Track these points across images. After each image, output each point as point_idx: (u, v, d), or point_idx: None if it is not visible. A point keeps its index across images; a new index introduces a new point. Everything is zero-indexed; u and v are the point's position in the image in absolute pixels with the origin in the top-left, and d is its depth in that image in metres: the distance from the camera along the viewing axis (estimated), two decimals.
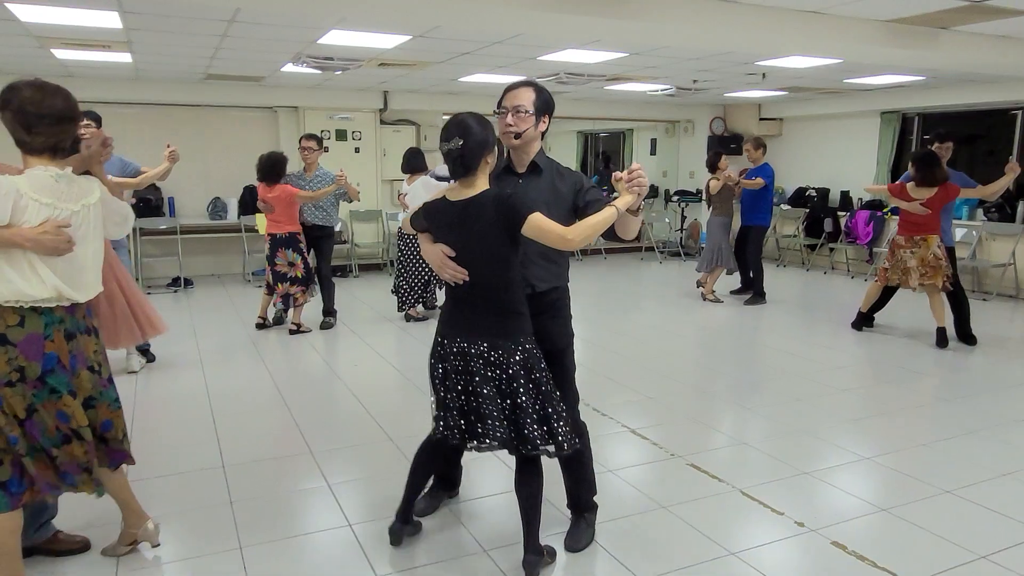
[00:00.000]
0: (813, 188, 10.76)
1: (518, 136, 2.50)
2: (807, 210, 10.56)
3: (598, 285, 9.20)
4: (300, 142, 6.36)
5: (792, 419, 4.24)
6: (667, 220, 11.96)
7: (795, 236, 10.64)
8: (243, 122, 9.31)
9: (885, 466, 3.60)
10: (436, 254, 2.45)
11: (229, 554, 2.73)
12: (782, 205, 11.08)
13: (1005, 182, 5.84)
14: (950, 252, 5.91)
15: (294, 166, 6.59)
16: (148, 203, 8.63)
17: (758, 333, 6.68)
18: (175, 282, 8.49)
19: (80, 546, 2.74)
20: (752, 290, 7.85)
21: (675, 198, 11.84)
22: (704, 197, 8.34)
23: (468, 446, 2.53)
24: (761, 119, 11.45)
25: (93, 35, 5.56)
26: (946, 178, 5.67)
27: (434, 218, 2.50)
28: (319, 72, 7.26)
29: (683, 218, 11.88)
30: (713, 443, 3.92)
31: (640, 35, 4.90)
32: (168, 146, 4.53)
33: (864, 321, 6.44)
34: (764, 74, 7.64)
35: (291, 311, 6.35)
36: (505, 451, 2.49)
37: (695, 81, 8.35)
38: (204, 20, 5.09)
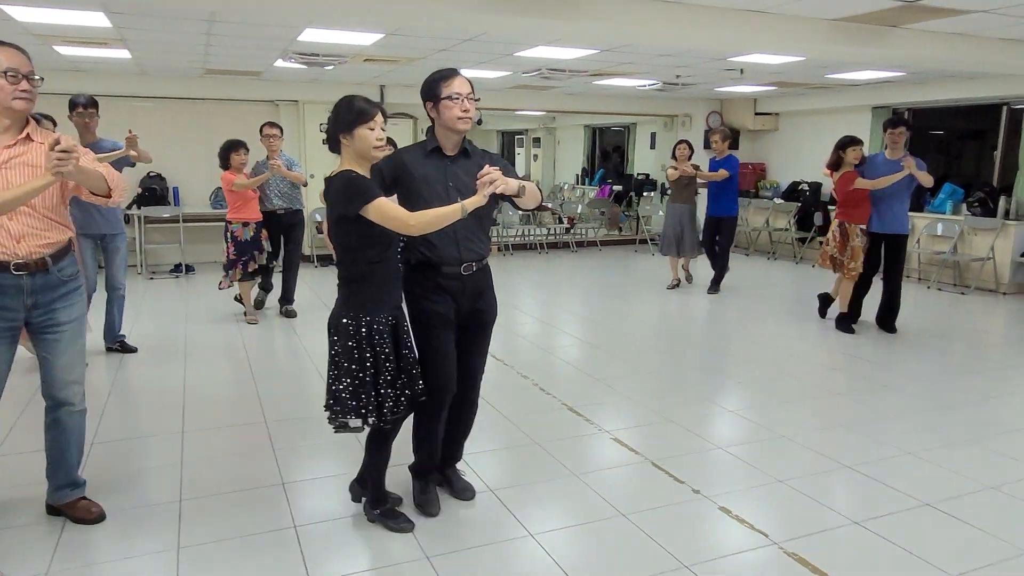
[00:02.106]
0: (806, 182, 10.87)
1: (479, 122, 2.72)
2: (799, 204, 10.68)
3: (591, 278, 9.46)
4: (262, 130, 6.31)
5: (773, 421, 4.10)
6: (661, 213, 12.11)
7: (787, 230, 10.77)
8: (245, 115, 9.66)
9: (866, 475, 3.43)
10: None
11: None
12: (775, 199, 11.21)
13: (895, 178, 5.70)
14: (899, 240, 5.98)
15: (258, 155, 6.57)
16: (153, 192, 9.07)
17: (740, 325, 6.75)
18: (177, 268, 8.92)
19: (95, 517, 2.87)
20: (717, 280, 8.03)
21: (669, 191, 11.97)
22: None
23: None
24: (757, 113, 11.55)
25: (88, 33, 5.94)
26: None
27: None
28: (306, 67, 7.58)
29: None
30: (687, 447, 3.76)
31: (589, 35, 5.12)
32: (129, 131, 4.86)
33: (851, 320, 6.22)
34: (742, 70, 7.81)
35: (234, 283, 6.32)
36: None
37: (678, 76, 8.53)
38: (185, 20, 5.43)
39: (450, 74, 2.77)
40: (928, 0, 4.69)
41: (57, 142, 2.39)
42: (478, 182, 2.51)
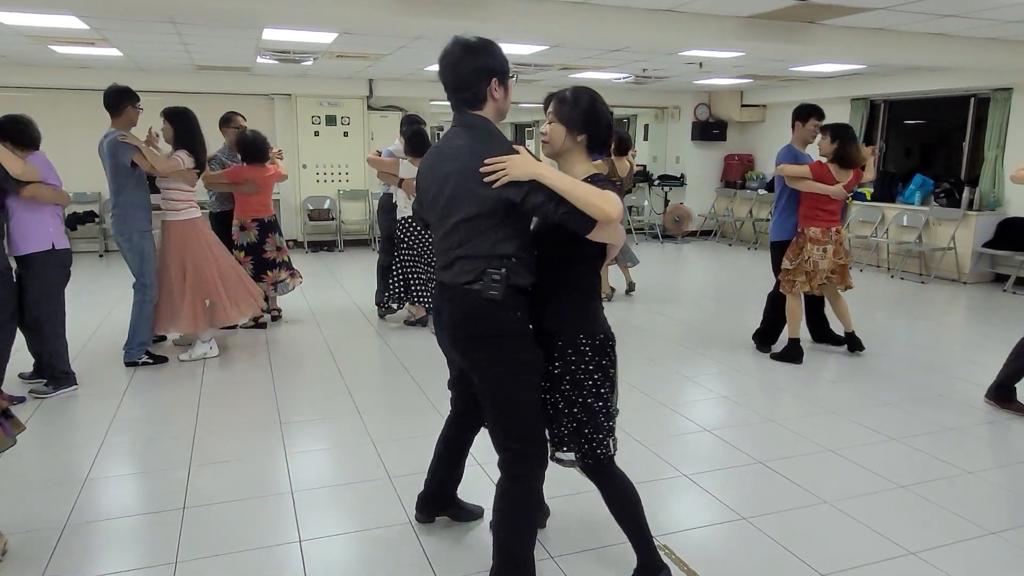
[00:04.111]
0: None
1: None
2: None
3: None
4: (233, 120, 6.11)
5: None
6: (646, 203, 12.37)
7: (769, 220, 10.92)
8: (241, 109, 10.19)
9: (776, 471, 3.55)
10: None
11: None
12: (759, 191, 11.37)
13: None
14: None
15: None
16: (150, 182, 9.68)
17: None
18: None
19: None
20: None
21: (656, 182, 12.25)
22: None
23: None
24: (744, 105, 11.71)
25: (72, 35, 6.52)
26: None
27: None
28: (280, 63, 8.08)
29: (666, 202, 12.27)
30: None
31: (505, 35, 5.42)
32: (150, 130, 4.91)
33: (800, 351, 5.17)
34: (700, 63, 8.05)
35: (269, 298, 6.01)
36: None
37: (644, 70, 8.80)
38: (150, 22, 5.95)
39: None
40: None
41: None
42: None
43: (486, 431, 2.44)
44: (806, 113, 5.12)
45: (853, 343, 5.27)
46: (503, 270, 2.18)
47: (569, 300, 2.31)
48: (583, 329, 2.29)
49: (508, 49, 7.12)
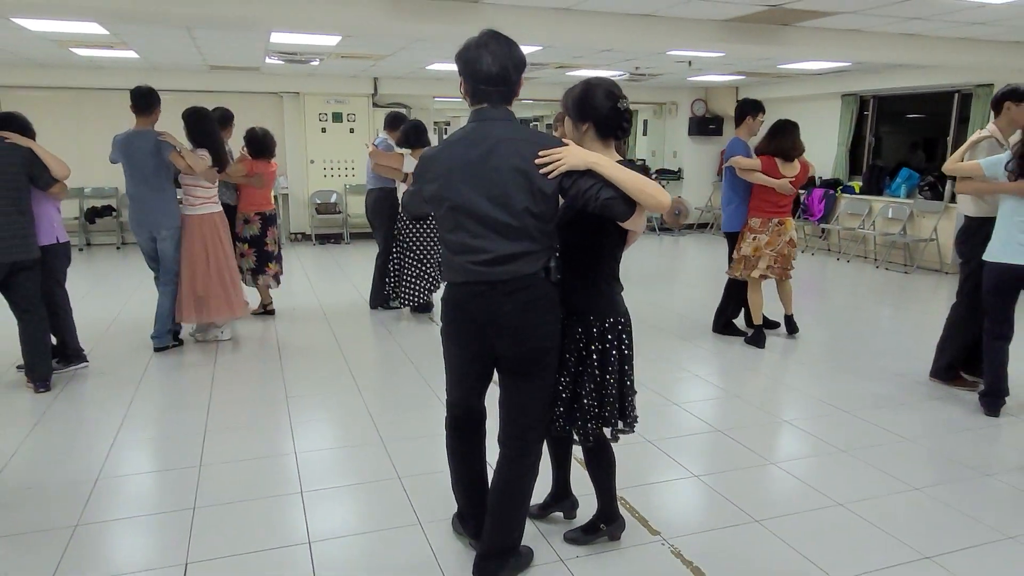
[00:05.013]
0: None
1: None
2: None
3: None
4: (233, 120, 6.24)
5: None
6: None
7: None
8: (250, 107, 10.63)
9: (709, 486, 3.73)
10: None
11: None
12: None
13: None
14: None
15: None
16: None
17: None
18: None
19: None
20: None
21: (654, 176, 12.56)
22: None
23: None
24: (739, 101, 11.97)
25: (93, 39, 6.94)
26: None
27: None
28: (285, 64, 8.46)
29: None
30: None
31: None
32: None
33: (763, 336, 5.52)
34: (690, 62, 8.38)
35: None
36: None
37: (636, 68, 9.14)
38: (168, 27, 6.35)
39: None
40: (793, 4, 5.27)
41: None
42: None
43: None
44: (756, 108, 5.52)
45: (791, 326, 5.68)
46: (558, 256, 2.35)
47: (598, 285, 2.46)
48: (613, 311, 2.46)
49: None
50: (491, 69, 2.21)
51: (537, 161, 2.18)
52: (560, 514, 2.97)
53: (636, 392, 2.60)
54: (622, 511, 2.85)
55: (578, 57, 8.15)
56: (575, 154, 2.18)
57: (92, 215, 9.90)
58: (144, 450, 3.68)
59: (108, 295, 6.99)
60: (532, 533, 2.85)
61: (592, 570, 2.66)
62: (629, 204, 2.18)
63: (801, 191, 5.52)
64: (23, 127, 4.36)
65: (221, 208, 5.40)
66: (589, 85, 2.41)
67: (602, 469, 2.71)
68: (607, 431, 2.57)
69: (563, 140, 2.26)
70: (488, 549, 2.51)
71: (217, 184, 5.35)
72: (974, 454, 3.67)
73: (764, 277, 5.38)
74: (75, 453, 3.58)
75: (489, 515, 2.49)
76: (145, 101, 4.95)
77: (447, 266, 2.39)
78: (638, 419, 2.61)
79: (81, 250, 9.50)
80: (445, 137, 2.56)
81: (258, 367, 5.05)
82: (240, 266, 5.90)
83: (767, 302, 5.57)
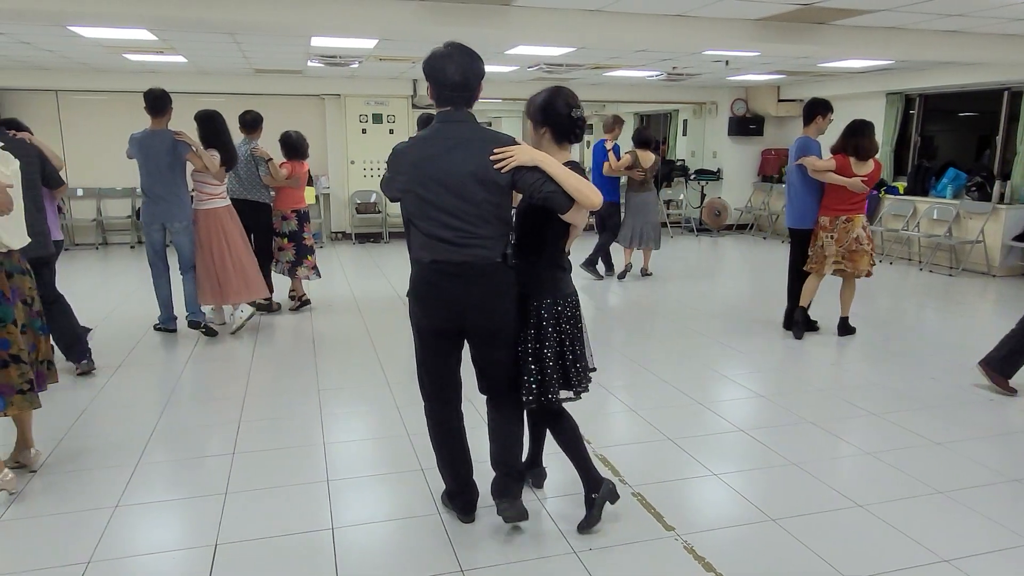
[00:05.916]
0: None
1: None
2: None
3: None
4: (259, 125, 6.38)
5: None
6: (682, 196, 12.62)
7: None
8: (294, 109, 10.93)
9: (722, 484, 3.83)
10: None
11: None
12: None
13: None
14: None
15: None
16: None
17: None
18: None
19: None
20: (591, 261, 8.09)
21: (692, 176, 12.48)
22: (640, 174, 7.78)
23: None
24: (780, 100, 11.84)
25: (144, 45, 7.22)
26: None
27: None
28: (326, 66, 8.67)
29: (702, 196, 12.49)
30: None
31: (518, 41, 5.82)
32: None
33: (803, 323, 5.68)
34: (727, 61, 8.32)
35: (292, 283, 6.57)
36: None
37: (674, 68, 9.10)
38: (212, 32, 6.58)
39: None
40: (826, 3, 5.22)
41: None
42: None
43: None
44: (826, 108, 5.48)
45: (844, 328, 5.71)
46: (513, 244, 2.70)
47: (539, 269, 2.75)
48: (552, 293, 2.75)
49: (538, 51, 7.57)
50: (455, 77, 2.53)
51: (492, 157, 2.51)
52: (569, 511, 3.04)
53: (594, 368, 2.90)
54: (637, 506, 2.90)
55: (614, 57, 8.16)
56: (525, 151, 2.53)
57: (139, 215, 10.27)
58: (182, 438, 3.85)
59: (151, 292, 7.24)
60: (547, 528, 2.93)
61: (604, 563, 2.70)
62: (568, 199, 2.52)
63: (872, 191, 5.61)
64: (24, 130, 4.65)
65: (229, 203, 5.77)
66: (550, 94, 2.71)
67: (564, 436, 2.91)
68: (552, 397, 2.77)
69: (518, 141, 2.58)
70: (499, 469, 2.86)
71: (225, 181, 5.72)
72: (1004, 459, 3.61)
73: (840, 272, 5.45)
74: (116, 439, 3.77)
75: (492, 443, 2.88)
76: (160, 103, 5.30)
77: (417, 247, 2.67)
78: (588, 390, 2.85)
79: (133, 248, 9.95)
80: (414, 135, 2.85)
81: (293, 360, 5.22)
82: (279, 259, 6.45)
83: (824, 301, 5.54)
